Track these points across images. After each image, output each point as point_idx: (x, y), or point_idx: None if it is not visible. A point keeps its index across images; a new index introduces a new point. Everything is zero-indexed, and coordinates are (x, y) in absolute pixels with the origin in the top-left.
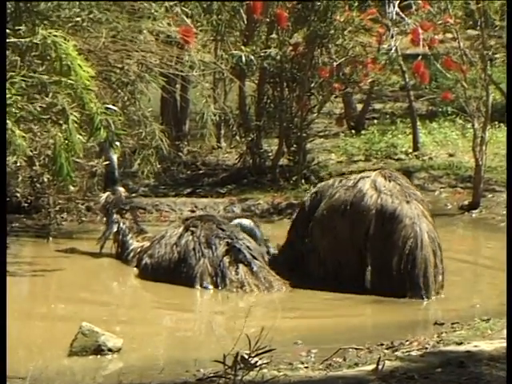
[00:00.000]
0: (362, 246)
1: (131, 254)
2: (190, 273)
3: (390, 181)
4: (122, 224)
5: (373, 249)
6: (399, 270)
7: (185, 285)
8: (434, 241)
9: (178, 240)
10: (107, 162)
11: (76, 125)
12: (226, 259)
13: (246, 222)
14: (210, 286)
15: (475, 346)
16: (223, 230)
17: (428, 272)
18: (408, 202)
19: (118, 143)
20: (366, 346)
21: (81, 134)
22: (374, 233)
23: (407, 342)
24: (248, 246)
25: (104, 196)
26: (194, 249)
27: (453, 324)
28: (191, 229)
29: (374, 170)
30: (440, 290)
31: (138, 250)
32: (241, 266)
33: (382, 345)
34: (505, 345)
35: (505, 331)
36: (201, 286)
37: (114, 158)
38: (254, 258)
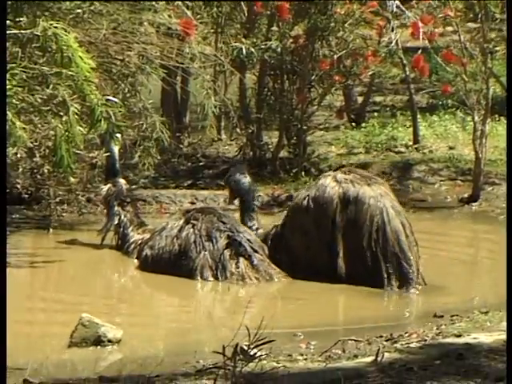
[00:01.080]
0: (329, 237)
1: (132, 246)
2: (191, 265)
3: (349, 173)
4: (123, 216)
5: (342, 235)
6: (371, 247)
7: (185, 277)
8: (400, 214)
9: (179, 232)
10: (108, 154)
11: (77, 116)
12: (227, 252)
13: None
14: (211, 278)
15: (474, 338)
16: (224, 223)
17: (401, 241)
18: (369, 185)
19: (118, 135)
20: (366, 337)
21: (81, 126)
22: (341, 220)
23: (406, 334)
24: (249, 239)
25: (105, 188)
26: (194, 241)
27: (452, 316)
28: (192, 221)
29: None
30: (418, 260)
31: (139, 242)
32: (241, 259)
33: (381, 337)
34: (504, 337)
35: (504, 323)
36: (201, 277)
37: (115, 149)
38: (255, 251)
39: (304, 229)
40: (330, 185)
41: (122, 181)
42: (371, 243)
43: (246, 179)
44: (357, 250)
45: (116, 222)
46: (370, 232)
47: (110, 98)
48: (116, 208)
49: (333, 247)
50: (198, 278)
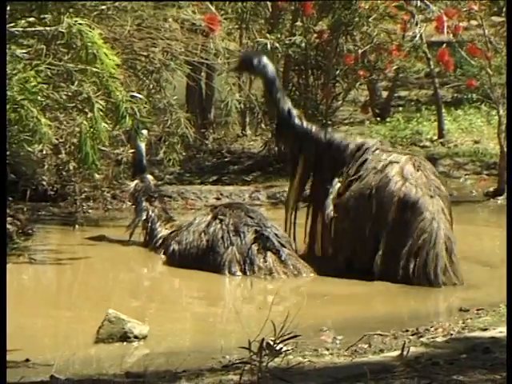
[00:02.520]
0: (379, 231)
1: (160, 241)
2: (219, 260)
3: (418, 170)
4: (151, 212)
5: (388, 235)
6: (408, 261)
7: (213, 272)
8: (449, 239)
9: (207, 228)
10: (134, 151)
11: (101, 113)
12: (255, 247)
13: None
14: (239, 273)
15: (500, 332)
16: (252, 218)
17: (437, 269)
18: (431, 197)
19: (145, 131)
20: (392, 332)
21: (106, 123)
22: (393, 220)
23: (432, 329)
24: (276, 234)
25: (133, 184)
26: (222, 237)
27: (477, 310)
28: (220, 217)
29: (405, 154)
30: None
31: (167, 237)
32: (269, 253)
33: (407, 331)
34: None
35: None
36: (229, 272)
37: (142, 146)
38: (283, 245)
39: (359, 214)
40: (394, 179)
41: (149, 177)
42: (410, 256)
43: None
44: (395, 254)
45: (144, 217)
46: (412, 245)
47: (135, 94)
48: (144, 203)
49: (378, 242)
50: (226, 272)
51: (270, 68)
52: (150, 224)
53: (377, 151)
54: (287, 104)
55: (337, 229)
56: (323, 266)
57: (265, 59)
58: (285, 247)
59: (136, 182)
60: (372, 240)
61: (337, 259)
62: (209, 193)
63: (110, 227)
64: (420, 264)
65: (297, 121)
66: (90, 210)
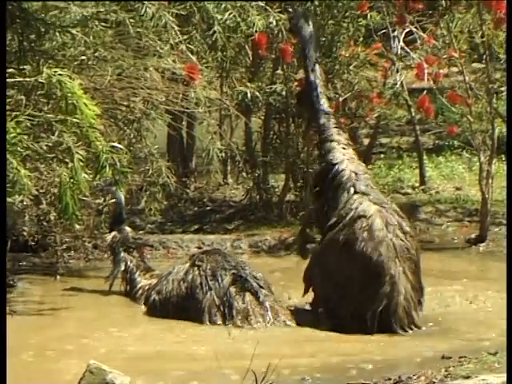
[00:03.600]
0: (345, 287)
1: (139, 292)
2: (198, 307)
3: (385, 226)
4: (129, 262)
5: (351, 296)
6: (372, 324)
7: (193, 320)
8: (409, 303)
9: (185, 275)
10: (114, 201)
11: (82, 163)
12: (233, 289)
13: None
14: (219, 321)
15: (483, 380)
16: (228, 262)
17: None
18: (395, 258)
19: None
20: (374, 381)
21: (86, 173)
22: (357, 280)
23: (415, 377)
24: (254, 276)
25: (110, 235)
26: (200, 283)
27: (460, 358)
28: (197, 263)
29: (375, 203)
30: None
31: (146, 287)
32: (247, 294)
33: (389, 379)
34: None
35: None
36: (209, 321)
37: (121, 197)
38: (261, 286)
39: (332, 268)
40: (360, 238)
41: (127, 228)
42: (375, 314)
43: (310, 28)
44: (361, 312)
45: (123, 268)
46: (375, 307)
47: (115, 144)
48: (122, 254)
49: (343, 297)
50: (207, 320)
51: (305, 27)
52: (128, 274)
53: (351, 190)
54: (315, 72)
55: (310, 276)
56: (307, 317)
57: (302, 20)
58: (263, 288)
59: (114, 233)
60: (339, 296)
61: (314, 306)
62: (190, 242)
63: (91, 277)
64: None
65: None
66: (71, 260)
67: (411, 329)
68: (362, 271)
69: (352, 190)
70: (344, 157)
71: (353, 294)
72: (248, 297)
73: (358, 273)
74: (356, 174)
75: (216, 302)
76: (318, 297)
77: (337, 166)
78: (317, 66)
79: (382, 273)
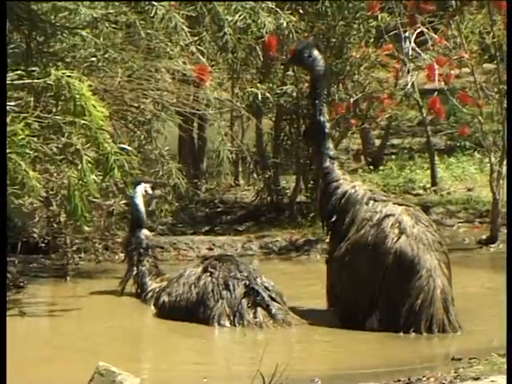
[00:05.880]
0: (376, 287)
1: (149, 294)
2: (208, 313)
3: (415, 223)
4: (141, 266)
5: (385, 293)
6: (408, 319)
7: (202, 324)
8: (446, 296)
9: (197, 281)
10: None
11: (90, 165)
12: (245, 301)
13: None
14: (228, 325)
15: (492, 381)
16: (241, 272)
17: (432, 329)
18: (428, 252)
19: (157, 191)
20: (383, 382)
21: (96, 175)
22: (390, 276)
23: (424, 378)
24: (266, 287)
25: (126, 238)
26: (212, 290)
27: (470, 359)
28: (210, 270)
29: (400, 204)
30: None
31: (157, 289)
32: (259, 308)
33: (399, 381)
34: None
35: None
36: (218, 325)
37: (139, 201)
38: (273, 299)
39: (357, 267)
40: (391, 234)
41: (144, 232)
42: (411, 309)
43: (323, 62)
44: (392, 312)
45: (135, 272)
46: (411, 302)
47: (124, 146)
48: (135, 258)
49: (376, 298)
50: (216, 324)
51: (319, 63)
52: (140, 278)
53: (370, 201)
54: (323, 114)
55: (334, 282)
56: (319, 319)
57: (315, 52)
58: (275, 301)
59: (129, 235)
60: (368, 295)
61: (334, 312)
62: (201, 243)
63: (101, 279)
64: (417, 323)
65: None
66: (81, 262)
67: (448, 328)
68: (397, 267)
69: (371, 201)
70: (353, 184)
71: (387, 292)
72: (260, 311)
73: (392, 270)
74: (371, 190)
75: (227, 312)
76: (341, 298)
77: (348, 191)
78: (324, 106)
79: (418, 266)
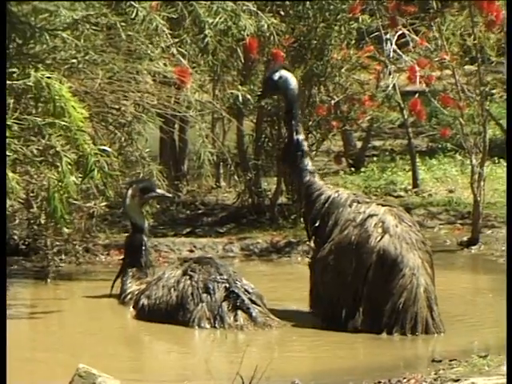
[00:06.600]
0: (359, 286)
1: (128, 296)
2: (188, 317)
3: (398, 222)
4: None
5: (368, 292)
6: (390, 319)
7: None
8: (429, 294)
9: (176, 284)
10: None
11: (70, 166)
12: (225, 304)
13: None
14: (208, 326)
15: (472, 383)
16: (221, 274)
17: (417, 328)
18: (411, 251)
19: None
20: (363, 383)
21: (76, 177)
22: (373, 276)
23: (404, 380)
24: (247, 290)
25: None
26: (192, 293)
27: (450, 361)
28: (189, 273)
29: (383, 205)
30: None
31: (136, 292)
32: (239, 311)
33: (379, 382)
34: (502, 381)
35: (503, 367)
36: (198, 326)
37: (129, 205)
38: (253, 302)
39: (339, 268)
40: (374, 233)
41: (140, 237)
42: (394, 308)
43: (295, 82)
44: (376, 311)
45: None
46: (394, 301)
47: (104, 147)
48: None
49: (358, 298)
50: (196, 327)
51: (292, 81)
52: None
53: (354, 204)
54: (300, 133)
55: (317, 282)
56: (300, 321)
57: (284, 72)
58: (255, 304)
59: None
60: (351, 295)
61: (316, 313)
62: (182, 245)
63: (82, 281)
64: (400, 323)
65: (303, 158)
66: (62, 264)
67: (431, 327)
68: (380, 266)
69: (355, 203)
70: (337, 189)
71: (370, 291)
72: (240, 314)
73: (375, 269)
74: (355, 194)
75: (207, 315)
76: (324, 298)
77: (332, 195)
78: (300, 125)
79: (402, 265)
